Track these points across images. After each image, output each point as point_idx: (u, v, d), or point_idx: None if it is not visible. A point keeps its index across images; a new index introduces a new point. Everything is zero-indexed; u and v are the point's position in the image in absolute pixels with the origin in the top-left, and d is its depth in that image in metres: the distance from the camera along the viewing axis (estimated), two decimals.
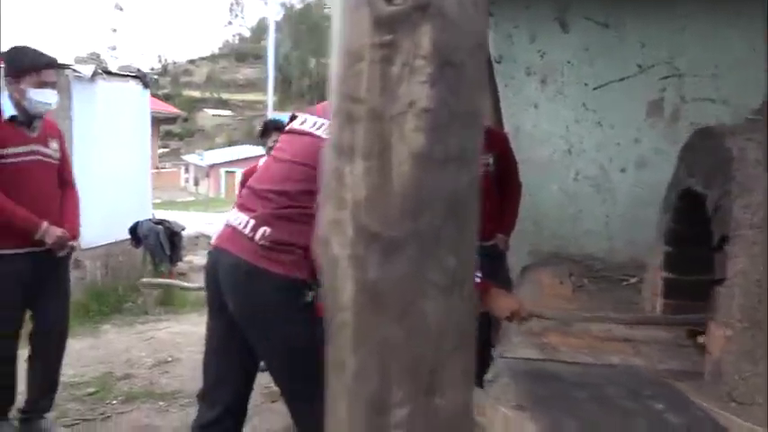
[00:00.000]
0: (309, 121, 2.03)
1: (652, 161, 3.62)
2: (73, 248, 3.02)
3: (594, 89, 3.65)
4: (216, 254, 1.99)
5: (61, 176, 3.03)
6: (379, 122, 0.55)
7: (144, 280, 3.54)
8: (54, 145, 2.97)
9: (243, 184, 3.25)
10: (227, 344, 2.03)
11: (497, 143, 3.29)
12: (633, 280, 3.26)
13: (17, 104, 2.81)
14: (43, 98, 2.81)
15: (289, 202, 1.88)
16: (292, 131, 2.09)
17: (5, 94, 2.82)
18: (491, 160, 3.22)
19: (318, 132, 1.97)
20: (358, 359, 0.55)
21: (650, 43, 3.59)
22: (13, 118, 2.80)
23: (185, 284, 3.32)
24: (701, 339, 2.15)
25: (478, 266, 2.18)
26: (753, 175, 1.72)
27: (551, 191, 3.82)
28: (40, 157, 2.90)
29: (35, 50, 2.90)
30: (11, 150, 2.78)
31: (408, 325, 0.54)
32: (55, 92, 2.88)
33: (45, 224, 2.82)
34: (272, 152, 2.14)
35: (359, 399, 0.55)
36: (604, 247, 3.68)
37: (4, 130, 2.78)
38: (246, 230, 1.87)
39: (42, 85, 2.80)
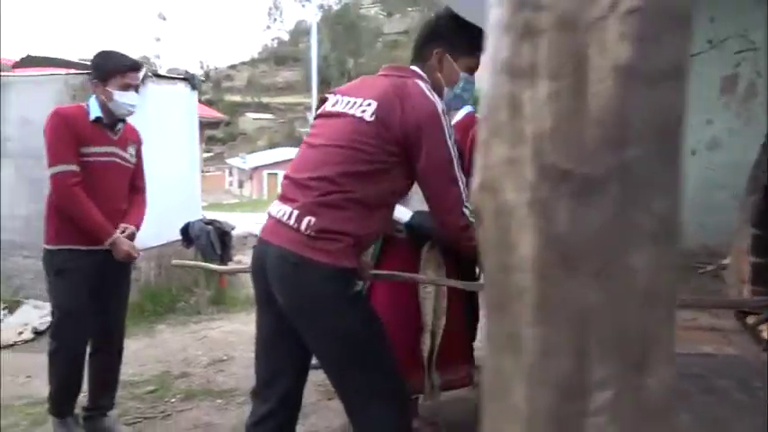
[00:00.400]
0: (342, 102, 1.96)
1: (725, 142, 3.40)
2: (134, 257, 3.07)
3: None
4: (261, 247, 1.94)
5: (133, 182, 3.12)
6: (570, 32, 0.43)
7: (175, 261, 3.49)
8: (131, 150, 3.08)
9: None
10: (277, 338, 1.98)
11: None
12: (709, 267, 3.08)
13: (103, 106, 2.92)
14: (127, 100, 2.91)
15: (330, 187, 1.82)
16: (325, 115, 2.02)
17: (93, 96, 2.94)
18: None
19: (352, 111, 1.90)
20: (543, 331, 0.43)
21: (721, 17, 3.38)
22: (97, 119, 2.91)
23: (214, 266, 3.29)
24: (750, 321, 1.99)
25: None
26: None
27: None
28: (118, 160, 3.00)
29: (120, 54, 3.01)
30: (93, 150, 2.89)
31: (611, 285, 0.42)
32: (137, 95, 2.98)
33: (116, 235, 2.91)
34: (306, 139, 2.05)
35: (544, 381, 0.43)
36: None
37: (88, 130, 2.89)
38: (291, 222, 1.82)
39: (127, 87, 2.91)
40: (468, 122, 3.37)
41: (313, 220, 1.79)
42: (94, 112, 2.91)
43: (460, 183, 1.89)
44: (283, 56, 59.76)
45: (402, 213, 2.56)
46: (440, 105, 1.89)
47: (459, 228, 1.91)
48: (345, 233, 1.81)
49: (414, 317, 2.61)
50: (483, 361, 0.59)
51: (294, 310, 1.87)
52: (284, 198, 1.92)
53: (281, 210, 1.88)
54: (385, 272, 2.42)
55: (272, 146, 42.57)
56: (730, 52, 3.35)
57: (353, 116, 1.89)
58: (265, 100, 53.02)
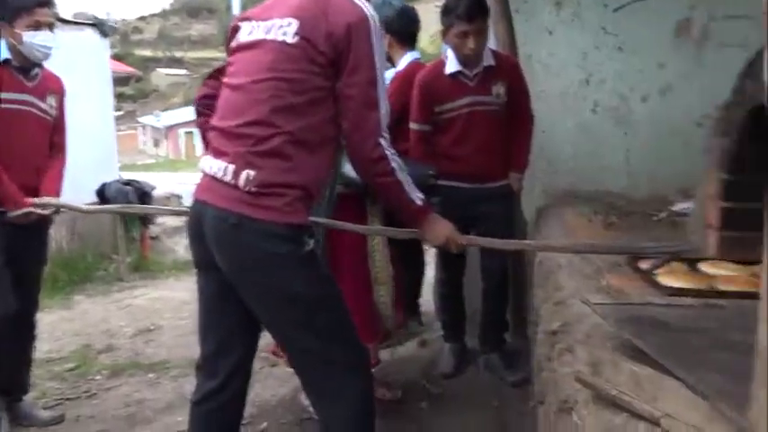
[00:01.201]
0: (258, 28, 1.72)
1: (678, 87, 3.33)
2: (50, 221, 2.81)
3: (615, 11, 3.29)
4: (198, 207, 1.72)
5: (53, 138, 2.77)
6: None
7: (31, 200, 2.83)
8: (52, 101, 2.72)
9: None
10: (221, 304, 1.78)
11: (508, 70, 2.98)
12: (662, 215, 3.02)
13: (13, 49, 2.56)
14: (40, 41, 2.55)
15: (264, 131, 1.61)
16: (242, 47, 1.76)
17: (2, 40, 2.58)
18: (501, 90, 2.91)
19: (272, 36, 1.67)
20: None
21: None
22: (6, 61, 2.56)
23: (72, 205, 2.85)
24: (644, 266, 1.93)
25: (417, 187, 1.76)
26: None
27: (566, 126, 3.50)
28: (34, 110, 2.65)
29: None
30: (2, 96, 2.54)
31: None
32: (53, 35, 2.60)
33: (24, 210, 2.59)
34: (225, 80, 1.79)
35: None
36: (624, 184, 3.42)
37: None
38: (227, 178, 1.62)
39: (37, 25, 2.54)
40: (413, 72, 3.10)
41: (252, 173, 1.60)
42: (3, 54, 2.55)
43: (382, 109, 1.69)
44: (196, 7, 57.14)
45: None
46: (370, 11, 1.67)
47: (371, 159, 1.71)
48: (291, 185, 1.62)
49: (369, 272, 2.66)
50: None
51: (236, 273, 1.68)
52: (216, 152, 1.70)
53: (215, 165, 1.67)
54: (324, 219, 2.25)
55: (187, 103, 40.70)
56: None
57: (273, 41, 1.66)
58: (178, 54, 50.64)
